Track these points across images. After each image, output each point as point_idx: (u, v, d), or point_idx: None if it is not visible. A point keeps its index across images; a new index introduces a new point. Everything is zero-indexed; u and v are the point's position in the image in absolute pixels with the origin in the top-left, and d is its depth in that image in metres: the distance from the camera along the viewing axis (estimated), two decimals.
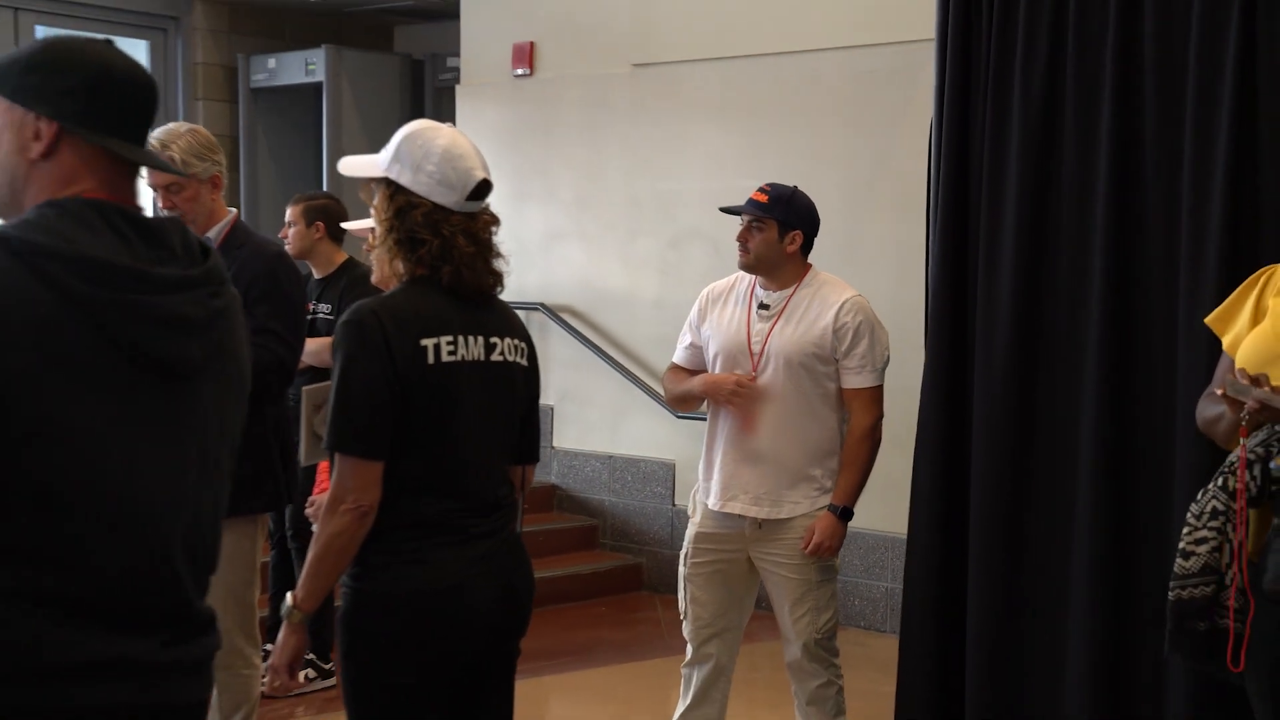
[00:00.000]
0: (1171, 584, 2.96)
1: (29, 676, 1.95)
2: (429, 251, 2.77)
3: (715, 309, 4.32)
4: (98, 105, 2.06)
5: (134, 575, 2.05)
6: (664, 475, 7.63)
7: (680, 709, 4.34)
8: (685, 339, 4.36)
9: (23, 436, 1.93)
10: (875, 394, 4.09)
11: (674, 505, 7.60)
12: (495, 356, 2.89)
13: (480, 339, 2.86)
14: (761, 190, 4.18)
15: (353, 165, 2.99)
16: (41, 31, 8.94)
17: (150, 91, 2.18)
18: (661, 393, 6.62)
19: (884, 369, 4.12)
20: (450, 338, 2.79)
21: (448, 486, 2.84)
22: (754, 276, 4.14)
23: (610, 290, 7.84)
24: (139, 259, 2.01)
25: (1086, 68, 3.81)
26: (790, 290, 4.13)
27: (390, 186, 2.79)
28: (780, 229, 4.08)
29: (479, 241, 2.83)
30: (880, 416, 4.13)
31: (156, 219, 2.18)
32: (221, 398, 2.19)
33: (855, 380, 4.05)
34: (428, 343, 2.74)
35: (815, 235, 4.19)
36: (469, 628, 2.84)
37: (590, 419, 7.79)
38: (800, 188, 4.21)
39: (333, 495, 2.77)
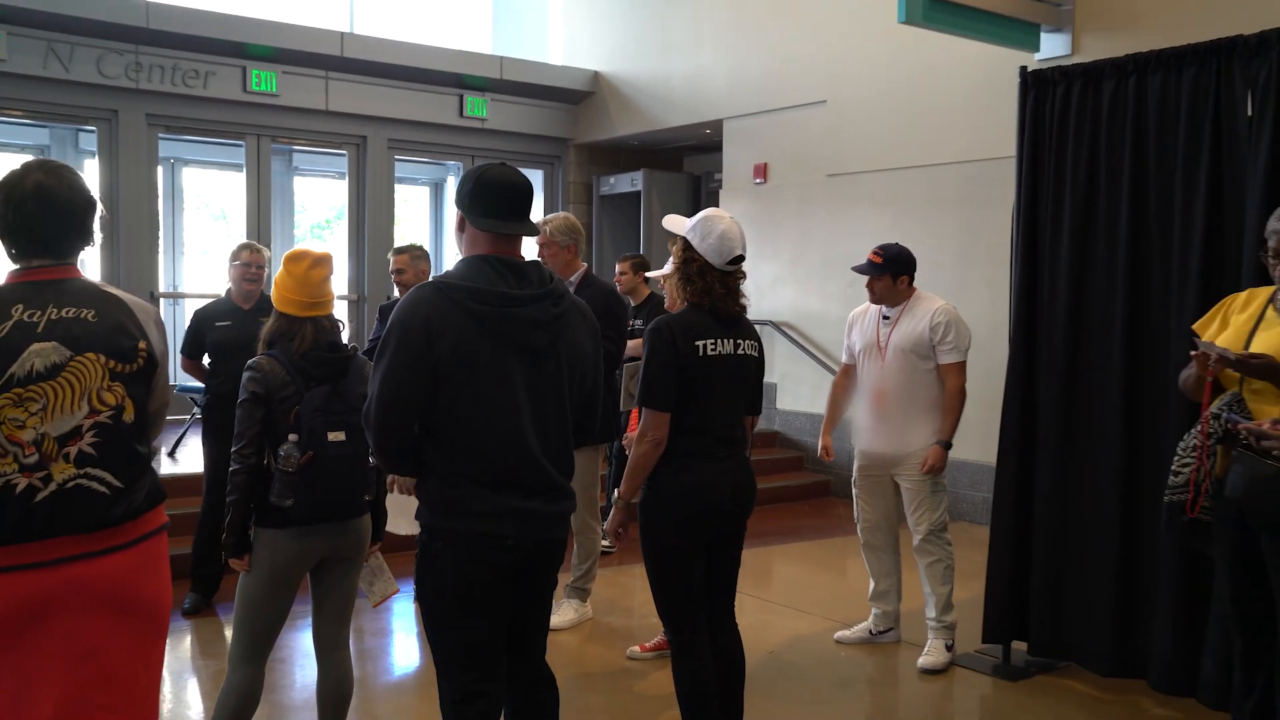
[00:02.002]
0: (1165, 493, 3.54)
1: (464, 515, 2.72)
2: (696, 289, 3.44)
3: (858, 323, 5.11)
4: (479, 199, 2.76)
5: (513, 465, 2.74)
6: (844, 425, 8.87)
7: (871, 587, 5.14)
8: (844, 345, 5.26)
9: (451, 388, 2.65)
10: (960, 368, 4.77)
11: (849, 444, 8.88)
12: (739, 352, 3.46)
13: (730, 340, 3.44)
14: (875, 252, 4.89)
15: (671, 222, 3.63)
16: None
17: (516, 190, 2.80)
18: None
19: (966, 350, 4.81)
20: (713, 339, 3.39)
21: (705, 429, 3.42)
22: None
23: (811, 313, 9.52)
24: (509, 287, 2.70)
25: (1112, 170, 4.49)
26: (901, 306, 4.88)
27: (685, 243, 3.46)
28: (893, 277, 4.87)
29: (728, 287, 3.47)
30: (964, 381, 4.80)
31: (525, 262, 2.80)
32: (562, 367, 2.80)
33: (946, 358, 4.76)
34: (701, 343, 3.36)
35: (914, 271, 4.91)
36: (712, 510, 3.42)
37: (799, 390, 9.42)
38: (904, 244, 4.92)
39: (640, 431, 3.39)
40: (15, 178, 2.42)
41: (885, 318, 4.94)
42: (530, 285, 2.74)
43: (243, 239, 10.29)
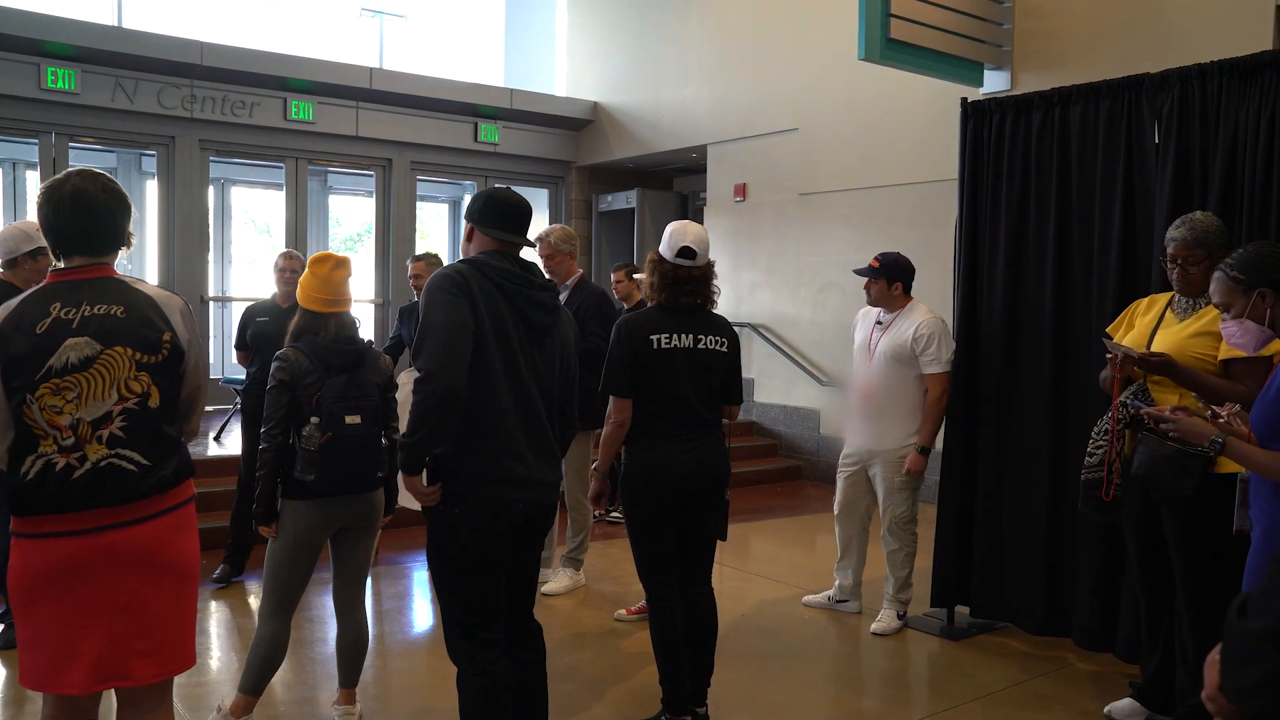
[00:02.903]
0: (1083, 472, 3.66)
1: (482, 481, 2.73)
2: (656, 287, 3.47)
3: (861, 322, 4.99)
4: (488, 214, 2.85)
5: (526, 433, 2.74)
6: (813, 417, 9.12)
7: (837, 560, 5.08)
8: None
9: (479, 351, 2.65)
10: (940, 378, 4.62)
11: (819, 434, 9.01)
12: (699, 346, 3.47)
13: (689, 335, 3.45)
14: (876, 258, 4.84)
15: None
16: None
17: (519, 209, 2.88)
18: (814, 372, 8.57)
19: (949, 361, 4.64)
20: (667, 334, 3.43)
21: (667, 413, 3.45)
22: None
23: (785, 316, 9.50)
24: (521, 273, 2.81)
25: (1041, 189, 4.55)
26: (896, 313, 4.78)
27: (656, 253, 3.56)
28: (887, 282, 4.79)
29: (678, 280, 3.45)
30: (945, 389, 4.64)
31: (528, 261, 2.89)
32: (556, 350, 2.89)
33: (929, 368, 4.64)
34: (655, 337, 3.42)
35: (911, 280, 4.84)
36: (671, 485, 3.43)
37: (774, 385, 9.39)
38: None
39: (607, 414, 3.50)
40: (56, 183, 2.45)
41: (879, 322, 4.85)
42: (535, 277, 2.85)
43: (281, 249, 10.40)
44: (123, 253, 2.52)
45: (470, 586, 2.78)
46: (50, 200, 2.42)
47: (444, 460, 2.73)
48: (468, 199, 12.87)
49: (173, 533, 2.43)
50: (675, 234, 3.50)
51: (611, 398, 3.47)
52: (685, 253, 3.46)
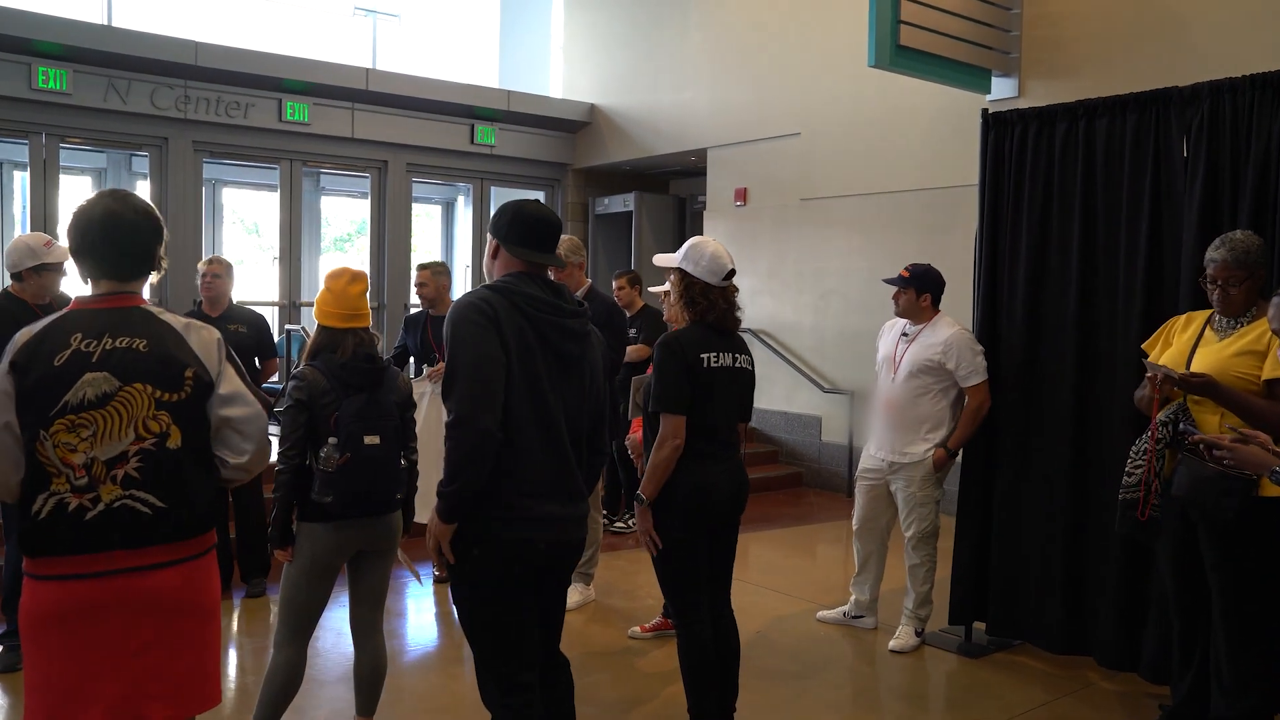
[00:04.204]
0: (1120, 492, 3.58)
1: (504, 523, 2.59)
2: (700, 308, 3.42)
3: (886, 334, 4.90)
4: (515, 231, 2.71)
5: (551, 471, 2.61)
6: (815, 423, 9.05)
7: (855, 575, 5.02)
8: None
9: (509, 383, 2.53)
10: (979, 388, 4.54)
11: (820, 440, 8.94)
12: (736, 365, 3.45)
13: (730, 354, 3.43)
14: (906, 268, 4.72)
15: (661, 258, 3.60)
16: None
17: (548, 226, 2.74)
18: (816, 379, 8.50)
19: (985, 369, 4.55)
20: (715, 353, 3.39)
21: (708, 433, 3.38)
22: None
23: (786, 322, 9.42)
24: (552, 299, 2.66)
25: (1064, 202, 4.48)
26: (922, 326, 4.68)
27: (681, 272, 3.46)
28: (916, 293, 4.68)
29: (728, 301, 3.47)
30: (983, 399, 4.54)
31: (558, 283, 2.78)
32: (585, 379, 2.76)
33: (969, 380, 4.55)
34: (705, 355, 3.37)
35: (938, 292, 4.71)
36: (714, 505, 3.42)
37: (775, 391, 9.23)
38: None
39: (660, 438, 3.31)
40: (88, 205, 2.34)
41: (904, 334, 4.77)
42: (566, 301, 2.72)
43: (273, 251, 10.25)
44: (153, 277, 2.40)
45: (497, 629, 2.66)
46: (79, 223, 2.32)
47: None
48: (463, 201, 12.76)
49: (186, 584, 2.32)
50: (715, 256, 3.43)
51: (664, 417, 3.33)
52: (729, 275, 3.45)
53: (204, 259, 5.63)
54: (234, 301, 5.67)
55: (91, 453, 2.19)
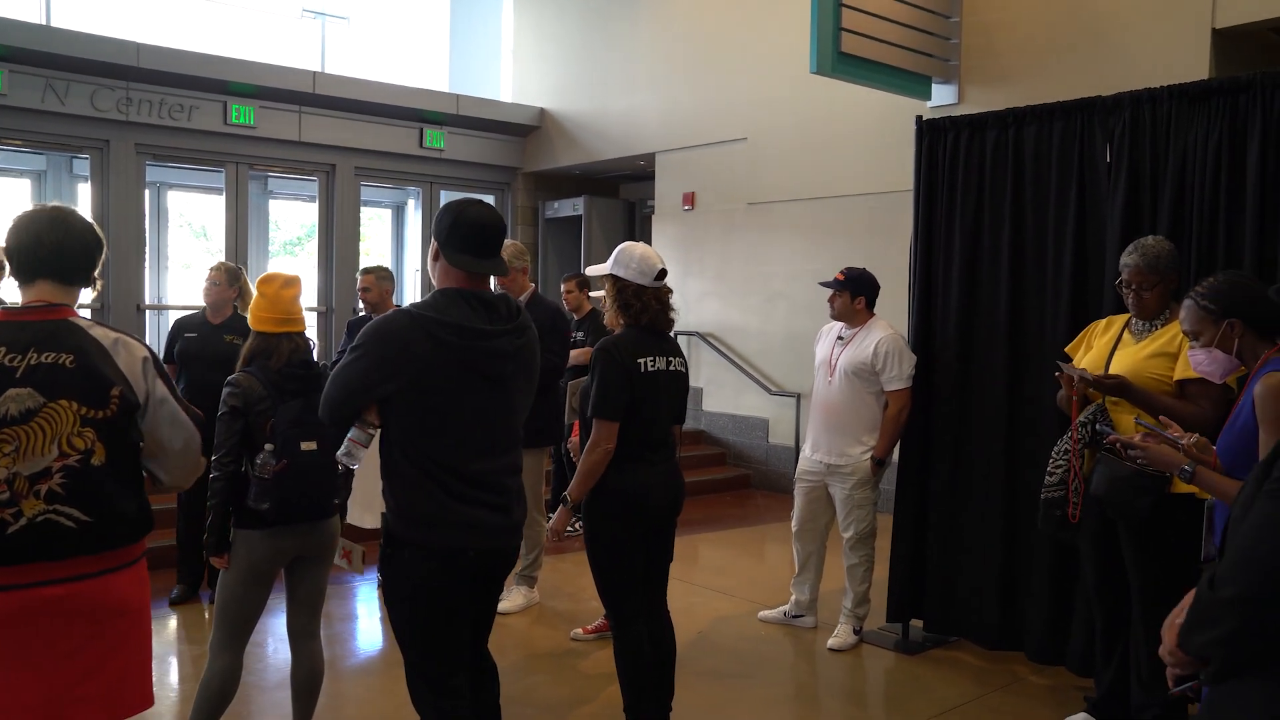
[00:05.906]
0: (1042, 490, 3.71)
1: (432, 527, 2.60)
2: (634, 310, 3.41)
3: (824, 337, 4.95)
4: (455, 236, 2.60)
5: (477, 480, 2.61)
6: (762, 425, 9.14)
7: (795, 575, 5.08)
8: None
9: (419, 407, 2.56)
10: (901, 394, 4.62)
11: (767, 442, 9.02)
12: (670, 368, 3.47)
13: (664, 358, 3.44)
14: (841, 272, 4.79)
15: (595, 269, 3.59)
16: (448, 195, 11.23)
17: (491, 230, 2.64)
18: (763, 381, 8.54)
19: (910, 376, 4.62)
20: (651, 357, 3.39)
21: (641, 437, 3.40)
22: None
23: (733, 325, 9.50)
24: (480, 321, 2.59)
25: (995, 206, 4.58)
26: (856, 330, 4.75)
27: (613, 277, 3.44)
28: (851, 296, 4.75)
29: (661, 301, 3.46)
30: (906, 406, 4.63)
31: (493, 295, 2.65)
32: (519, 391, 2.73)
33: (891, 385, 4.63)
34: (641, 360, 3.36)
35: (872, 295, 4.79)
36: (651, 509, 3.44)
37: (722, 394, 9.39)
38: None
39: (592, 441, 3.34)
40: (34, 209, 2.33)
41: (840, 338, 4.83)
42: (500, 319, 2.65)
43: (220, 255, 10.12)
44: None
45: (429, 635, 2.67)
46: (24, 222, 2.31)
47: (397, 502, 2.63)
48: (413, 205, 12.70)
49: (110, 591, 2.31)
50: (644, 258, 3.44)
51: (598, 422, 3.34)
52: (661, 275, 3.46)
53: (213, 265, 5.44)
54: (237, 310, 5.33)
55: (14, 468, 2.18)
